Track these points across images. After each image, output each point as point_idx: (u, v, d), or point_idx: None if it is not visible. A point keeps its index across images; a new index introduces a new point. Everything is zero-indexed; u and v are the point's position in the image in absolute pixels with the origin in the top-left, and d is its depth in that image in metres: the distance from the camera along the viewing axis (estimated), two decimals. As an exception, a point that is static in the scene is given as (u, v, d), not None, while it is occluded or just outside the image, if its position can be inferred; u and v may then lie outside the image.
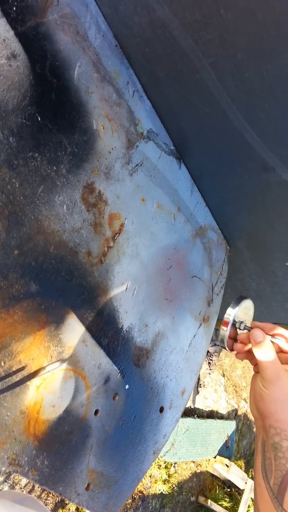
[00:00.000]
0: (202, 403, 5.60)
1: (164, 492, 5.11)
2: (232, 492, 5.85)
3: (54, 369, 0.83)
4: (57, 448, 0.84)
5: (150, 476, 4.91)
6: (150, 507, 4.95)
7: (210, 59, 0.87)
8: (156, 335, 1.08)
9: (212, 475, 5.67)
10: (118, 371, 0.96)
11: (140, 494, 4.79)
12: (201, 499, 5.62)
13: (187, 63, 0.89)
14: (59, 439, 0.85)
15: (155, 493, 5.06)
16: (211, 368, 5.51)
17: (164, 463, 4.98)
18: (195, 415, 5.46)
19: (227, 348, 0.94)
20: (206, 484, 5.91)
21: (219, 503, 5.50)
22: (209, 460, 5.80)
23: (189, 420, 5.23)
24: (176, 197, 1.13)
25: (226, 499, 5.67)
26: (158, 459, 4.90)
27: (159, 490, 5.08)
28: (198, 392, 5.39)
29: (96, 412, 0.92)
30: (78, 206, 0.85)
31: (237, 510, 5.34)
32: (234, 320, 0.89)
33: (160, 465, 4.97)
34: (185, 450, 5.22)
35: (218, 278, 1.32)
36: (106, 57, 0.91)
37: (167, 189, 1.10)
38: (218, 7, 0.78)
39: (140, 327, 1.03)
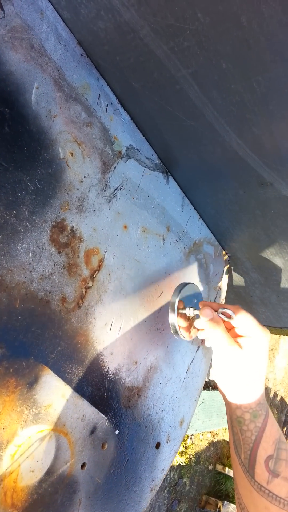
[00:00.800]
0: (216, 375, 5.60)
1: (181, 464, 5.20)
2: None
3: (31, 434, 0.75)
4: (40, 512, 0.78)
5: (166, 450, 4.95)
6: (168, 479, 5.06)
7: (190, 69, 0.73)
8: (148, 370, 0.99)
9: (229, 443, 5.76)
10: (106, 418, 0.88)
11: (157, 467, 4.86)
12: (219, 467, 5.72)
13: (164, 73, 0.76)
14: (42, 503, 0.78)
15: (173, 465, 5.16)
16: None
17: (181, 436, 5.01)
18: (210, 388, 5.49)
19: (185, 338, 0.95)
20: (223, 452, 6.01)
21: (236, 470, 5.60)
22: (225, 429, 5.88)
23: (204, 393, 5.27)
24: (165, 216, 1.02)
25: (243, 465, 5.76)
26: (174, 433, 4.94)
27: (177, 462, 5.17)
28: (211, 365, 5.40)
29: (83, 465, 0.85)
30: (47, 249, 0.75)
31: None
32: (178, 308, 0.91)
33: (176, 439, 5.00)
34: (201, 422, 5.28)
35: (216, 294, 1.22)
36: (70, 70, 0.77)
37: (154, 209, 0.98)
38: (194, 10, 0.64)
39: (129, 366, 0.94)
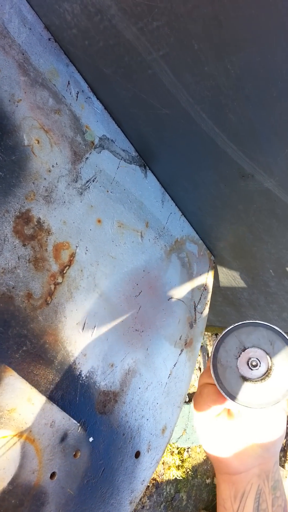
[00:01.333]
0: (214, 386, 5.52)
1: (178, 478, 5.09)
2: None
3: (-9, 440, 0.70)
4: (4, 526, 0.72)
5: (163, 463, 4.88)
6: (165, 493, 4.94)
7: (161, 51, 0.69)
8: (126, 373, 0.94)
9: (227, 457, 5.63)
10: (78, 424, 0.83)
11: (154, 481, 4.78)
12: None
13: (135, 56, 0.72)
14: (6, 516, 0.72)
15: (169, 479, 5.04)
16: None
17: (177, 449, 4.94)
18: (207, 399, 5.38)
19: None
20: (221, 466, 5.86)
21: (235, 484, 5.48)
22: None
23: (201, 406, 5.16)
24: (143, 211, 0.97)
25: (242, 479, 5.65)
26: (170, 445, 4.89)
27: (173, 476, 5.06)
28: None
29: (52, 475, 0.79)
30: (10, 241, 0.70)
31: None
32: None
33: (173, 452, 4.94)
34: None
35: (201, 295, 1.17)
36: (37, 54, 0.74)
37: (131, 204, 0.94)
38: (161, -16, 0.60)
39: (104, 369, 0.88)
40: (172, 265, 1.06)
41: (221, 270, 1.27)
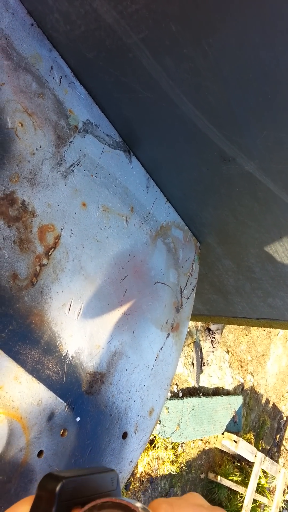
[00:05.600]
0: (207, 381, 5.57)
1: (172, 472, 5.11)
2: (243, 466, 5.88)
3: (-22, 417, 0.71)
4: (-8, 502, 0.73)
5: (157, 458, 4.90)
6: (159, 488, 4.97)
7: (141, 34, 0.71)
8: (113, 355, 0.95)
9: (221, 451, 5.69)
10: (65, 403, 0.84)
11: (148, 476, 4.80)
12: (211, 476, 5.65)
13: (116, 40, 0.74)
14: (-6, 492, 0.74)
15: (164, 474, 5.06)
16: (214, 346, 5.47)
17: (171, 444, 4.96)
18: (200, 394, 5.43)
19: None
20: (215, 461, 5.92)
21: (229, 478, 5.54)
22: (217, 436, 5.81)
23: (194, 400, 5.21)
24: (128, 196, 0.99)
25: (236, 473, 5.70)
26: (164, 440, 4.90)
27: (167, 470, 5.08)
28: (202, 371, 5.36)
29: (40, 453, 0.81)
30: (-5, 222, 0.72)
31: (248, 483, 5.37)
32: None
33: (167, 447, 4.96)
34: (192, 429, 5.22)
35: (187, 280, 1.19)
36: (19, 39, 0.75)
37: (115, 188, 0.95)
38: None
39: (90, 350, 0.90)
40: (157, 250, 1.08)
41: (207, 257, 1.29)
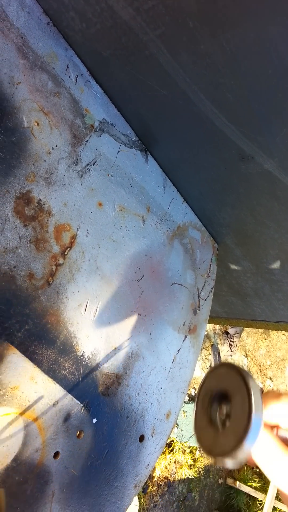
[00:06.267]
0: (225, 386, 5.51)
1: (190, 477, 5.07)
2: (262, 472, 5.79)
3: (-6, 416, 0.71)
4: (8, 502, 0.73)
5: (175, 462, 4.87)
6: (177, 492, 4.92)
7: (157, 30, 0.70)
8: (129, 356, 0.94)
9: (240, 456, 5.60)
10: (81, 405, 0.84)
11: (166, 480, 4.76)
12: (230, 481, 5.58)
13: (132, 37, 0.73)
14: (10, 492, 0.73)
15: (181, 478, 5.02)
16: (232, 350, 5.41)
17: (189, 448, 4.92)
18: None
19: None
20: (234, 466, 5.82)
21: (248, 484, 5.46)
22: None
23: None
24: (144, 196, 0.98)
25: (255, 479, 5.62)
26: (182, 444, 4.87)
27: (185, 475, 5.04)
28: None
29: (56, 454, 0.80)
30: (11, 221, 0.72)
31: (267, 489, 5.28)
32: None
33: (185, 451, 4.92)
34: (211, 434, 5.15)
35: (205, 282, 1.17)
36: (35, 38, 0.75)
37: (132, 188, 0.94)
38: None
39: (107, 351, 0.89)
40: (174, 250, 1.07)
41: (225, 258, 1.27)
